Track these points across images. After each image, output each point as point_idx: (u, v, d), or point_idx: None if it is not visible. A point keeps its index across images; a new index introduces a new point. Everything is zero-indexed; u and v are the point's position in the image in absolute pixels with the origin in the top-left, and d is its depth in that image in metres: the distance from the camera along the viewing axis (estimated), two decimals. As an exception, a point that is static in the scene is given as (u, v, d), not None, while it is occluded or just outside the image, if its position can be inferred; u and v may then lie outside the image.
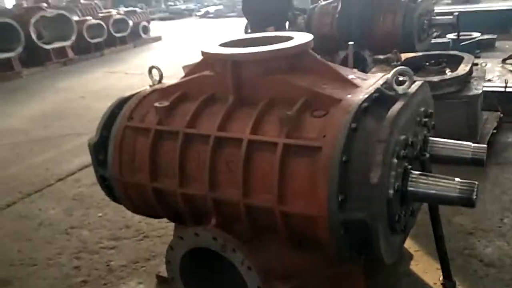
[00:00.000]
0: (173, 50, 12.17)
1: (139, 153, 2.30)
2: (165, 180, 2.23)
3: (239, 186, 1.99)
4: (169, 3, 26.30)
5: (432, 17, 6.30)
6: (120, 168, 2.34)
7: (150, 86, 2.62)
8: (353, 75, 2.23)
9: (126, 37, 13.50)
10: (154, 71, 2.67)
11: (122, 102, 2.52)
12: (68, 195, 3.94)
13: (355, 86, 2.10)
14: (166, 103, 2.28)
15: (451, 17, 6.21)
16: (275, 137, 1.93)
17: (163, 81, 2.62)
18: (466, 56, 4.32)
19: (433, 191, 1.87)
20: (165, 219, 3.23)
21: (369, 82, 2.15)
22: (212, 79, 2.30)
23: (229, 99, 2.16)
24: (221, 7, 21.59)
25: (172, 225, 3.18)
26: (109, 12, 14.05)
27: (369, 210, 1.75)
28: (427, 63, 4.41)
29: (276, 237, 2.10)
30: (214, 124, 2.10)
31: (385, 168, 1.73)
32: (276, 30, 5.61)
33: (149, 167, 2.23)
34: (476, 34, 7.52)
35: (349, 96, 1.98)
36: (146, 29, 14.63)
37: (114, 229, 3.31)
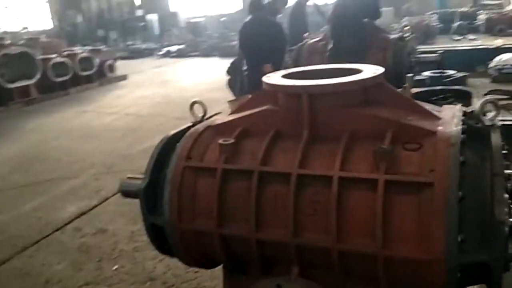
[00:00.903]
0: (141, 89, 11.91)
1: (202, 196, 2.07)
2: (234, 225, 2.00)
3: (330, 230, 1.79)
4: (128, 42, 26.07)
5: (417, 55, 6.50)
6: (179, 213, 2.08)
7: (193, 122, 2.43)
8: (427, 106, 2.14)
9: (92, 75, 13.11)
10: (197, 106, 2.48)
11: (169, 142, 2.30)
12: (71, 247, 3.56)
13: (438, 118, 2.00)
14: (231, 140, 2.09)
15: (435, 55, 6.42)
16: (373, 173, 1.78)
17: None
18: (470, 91, 4.41)
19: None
20: (192, 269, 2.97)
21: (447, 114, 2.06)
22: (277, 114, 2.13)
23: (304, 135, 2.00)
24: (183, 46, 21.61)
25: (201, 275, 2.92)
26: (73, 50, 13.66)
27: (490, 251, 1.61)
28: (435, 98, 4.46)
29: (361, 284, 1.91)
30: (293, 161, 1.92)
31: (504, 204, 1.61)
32: (273, 68, 5.56)
33: (217, 211, 2.00)
34: (451, 72, 7.84)
35: (440, 128, 1.87)
36: (112, 68, 14.30)
37: (137, 283, 2.99)
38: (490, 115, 1.95)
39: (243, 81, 6.41)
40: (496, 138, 1.80)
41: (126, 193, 2.54)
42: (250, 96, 2.61)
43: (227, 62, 14.81)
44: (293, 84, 2.07)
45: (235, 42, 19.13)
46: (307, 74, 2.30)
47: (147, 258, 3.24)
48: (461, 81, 8.17)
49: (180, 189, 2.09)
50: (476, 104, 1.95)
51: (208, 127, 2.27)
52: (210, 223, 2.03)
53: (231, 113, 2.41)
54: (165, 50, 21.99)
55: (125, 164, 5.53)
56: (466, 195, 1.66)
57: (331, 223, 1.79)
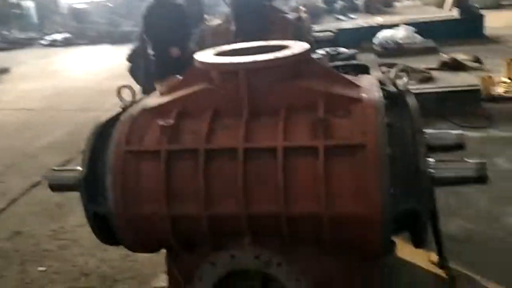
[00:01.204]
0: (28, 82, 10.98)
1: (147, 179, 2.06)
2: (184, 205, 2.03)
3: (279, 198, 1.92)
4: (3, 32, 23.62)
5: (314, 34, 6.88)
6: (124, 200, 2.05)
7: (123, 107, 2.38)
8: (348, 77, 2.34)
9: (-33, 70, 11.77)
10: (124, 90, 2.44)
11: (102, 129, 2.24)
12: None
13: (359, 86, 2.21)
14: (171, 121, 2.10)
15: (330, 34, 6.86)
16: (313, 141, 1.93)
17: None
18: (368, 65, 4.81)
19: (453, 174, 2.06)
20: (128, 259, 2.95)
21: (365, 83, 2.28)
22: (214, 93, 2.19)
23: (244, 111, 2.08)
24: (68, 35, 20.17)
25: (138, 263, 2.91)
26: None
27: (419, 199, 1.86)
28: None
29: (307, 246, 2.08)
30: (237, 136, 2.01)
31: (426, 157, 1.87)
32: (181, 51, 5.53)
33: (165, 193, 2.01)
34: (343, 49, 8.42)
35: (364, 95, 2.08)
36: (-11, 61, 12.93)
37: (70, 280, 2.87)
38: (402, 81, 2.20)
39: (148, 67, 6.26)
40: (412, 101, 2.05)
41: (57, 187, 2.43)
42: (179, 76, 2.63)
43: (119, 49, 14.29)
44: (230, 62, 2.14)
45: (127, 28, 18.45)
46: (237, 52, 2.38)
47: (76, 254, 3.12)
48: (353, 57, 8.82)
49: (123, 175, 2.06)
50: (391, 72, 2.19)
51: (143, 111, 2.25)
52: (158, 206, 2.03)
53: (162, 95, 2.41)
54: (49, 39, 20.35)
55: (29, 162, 5.13)
56: (394, 153, 1.89)
57: (279, 191, 1.92)
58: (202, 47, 6.50)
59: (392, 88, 2.21)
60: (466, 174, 2.05)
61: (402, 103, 2.07)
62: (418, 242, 2.07)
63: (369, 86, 2.21)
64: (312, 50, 5.55)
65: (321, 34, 6.98)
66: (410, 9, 15.73)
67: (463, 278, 2.46)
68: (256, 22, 6.21)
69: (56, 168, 2.55)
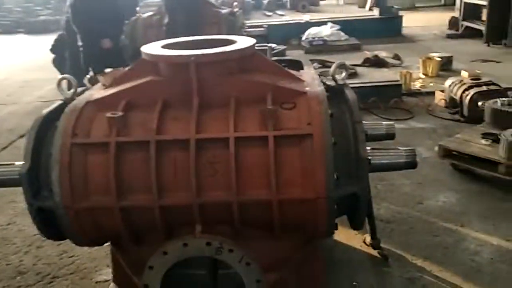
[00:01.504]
0: None
1: (95, 172, 2.03)
2: (134, 196, 2.03)
3: (231, 186, 1.99)
4: None
5: (246, 30, 6.98)
6: (71, 193, 2.01)
7: (64, 100, 2.33)
8: (291, 71, 2.46)
9: None
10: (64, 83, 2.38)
11: (45, 122, 2.18)
12: None
13: (302, 80, 2.33)
14: (119, 113, 2.08)
15: (262, 29, 7.00)
16: (263, 131, 2.02)
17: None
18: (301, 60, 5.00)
19: (388, 161, 2.25)
20: (65, 254, 2.88)
21: (307, 77, 2.41)
22: (163, 84, 2.21)
23: (194, 103, 2.12)
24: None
25: (78, 258, 2.85)
26: None
27: (359, 183, 2.02)
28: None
29: (256, 232, 2.18)
30: (188, 127, 2.04)
31: (365, 144, 2.04)
32: (112, 42, 5.38)
33: (115, 185, 2.00)
34: (273, 45, 8.61)
35: (308, 88, 2.21)
36: None
37: (5, 279, 2.73)
38: (341, 76, 2.36)
39: (74, 58, 6.00)
40: (350, 94, 2.22)
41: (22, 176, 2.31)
42: (121, 69, 2.60)
43: (36, 39, 13.46)
44: (180, 54, 2.17)
45: (44, 17, 17.36)
46: (184, 45, 2.40)
47: (8, 253, 2.96)
48: (282, 53, 9.05)
49: (69, 168, 2.01)
50: (331, 67, 2.33)
51: (88, 103, 2.20)
52: (108, 198, 2.02)
53: (107, 87, 2.38)
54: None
55: None
56: (337, 141, 2.03)
57: (231, 180, 1.98)
58: (132, 38, 6.41)
59: (331, 83, 2.35)
60: (399, 160, 2.26)
61: (342, 96, 2.22)
62: (356, 224, 2.24)
63: (311, 80, 2.34)
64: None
65: (253, 30, 7.10)
66: (334, 8, 16.38)
67: (394, 257, 2.70)
68: (189, 15, 6.17)
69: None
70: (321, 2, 18.56)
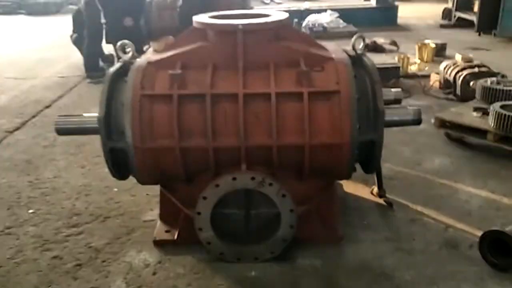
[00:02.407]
0: None
1: (160, 118, 2.46)
2: (192, 139, 2.47)
3: (271, 132, 2.43)
4: None
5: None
6: (140, 135, 2.44)
7: (123, 62, 2.73)
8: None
9: None
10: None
11: (115, 77, 2.59)
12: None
13: (327, 49, 2.77)
14: (179, 71, 2.51)
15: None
16: (299, 88, 2.46)
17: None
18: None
19: (397, 118, 2.71)
20: (112, 201, 3.30)
21: (331, 47, 2.84)
22: (212, 49, 2.63)
23: (239, 65, 2.55)
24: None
25: (124, 204, 3.27)
26: None
27: (376, 132, 2.48)
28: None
29: (288, 174, 2.63)
30: (237, 84, 2.48)
31: (382, 100, 2.49)
32: (134, 20, 5.75)
33: (177, 129, 2.43)
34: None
35: (334, 55, 2.65)
36: None
37: (64, 218, 3.15)
38: (360, 46, 2.79)
39: (94, 36, 6.33)
40: (368, 60, 2.66)
41: (67, 131, 2.75)
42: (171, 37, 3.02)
43: (38, 20, 13.67)
44: (229, 23, 2.59)
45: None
46: (227, 17, 2.82)
47: (61, 199, 3.36)
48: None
49: (140, 114, 2.44)
50: (352, 38, 2.76)
51: (149, 63, 2.62)
52: (170, 141, 2.46)
53: (160, 52, 2.80)
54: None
55: None
56: (359, 97, 2.48)
57: (272, 127, 2.43)
58: (147, 20, 6.78)
59: (352, 52, 2.79)
60: (407, 117, 2.72)
61: (361, 62, 2.66)
62: (371, 168, 2.70)
63: (334, 49, 2.78)
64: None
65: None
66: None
67: (397, 204, 3.17)
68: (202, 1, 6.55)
69: (61, 115, 2.85)
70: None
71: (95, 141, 4.35)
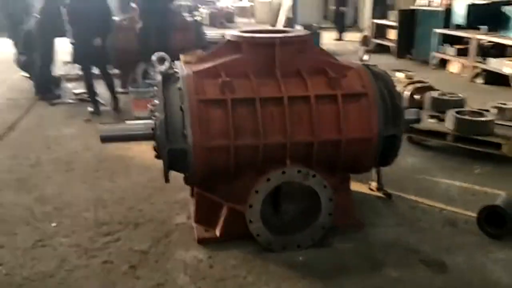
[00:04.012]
0: None
1: (216, 120, 2.70)
2: (244, 138, 2.73)
3: (313, 131, 2.79)
4: None
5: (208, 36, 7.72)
6: (200, 136, 2.64)
7: (162, 73, 2.94)
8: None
9: None
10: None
11: (164, 85, 2.78)
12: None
13: (340, 60, 3.21)
14: (228, 79, 2.78)
15: (220, 36, 7.78)
16: (333, 91, 2.85)
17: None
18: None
19: (410, 117, 3.20)
20: (134, 209, 3.41)
21: (344, 59, 3.30)
22: (250, 60, 2.93)
23: (277, 73, 2.88)
24: None
25: (149, 212, 3.38)
26: None
27: (398, 127, 2.94)
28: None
29: (321, 169, 2.98)
30: (280, 89, 2.81)
31: (402, 100, 2.97)
32: (102, 41, 5.77)
33: (233, 130, 2.68)
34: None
35: (352, 65, 3.10)
36: None
37: (92, 228, 3.17)
38: (366, 57, 3.28)
39: (46, 58, 6.19)
40: (378, 68, 3.14)
41: (113, 138, 2.86)
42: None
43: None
44: (267, 36, 2.93)
45: None
46: (256, 32, 3.14)
47: (79, 211, 3.30)
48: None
49: (198, 117, 2.66)
50: (359, 52, 3.25)
51: (195, 72, 2.85)
52: (226, 140, 2.70)
53: (195, 63, 3.04)
54: None
55: None
56: (382, 98, 2.94)
57: (314, 126, 2.79)
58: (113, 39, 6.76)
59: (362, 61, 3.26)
60: (415, 117, 3.25)
61: (373, 70, 3.13)
62: (391, 160, 3.14)
63: (345, 60, 3.24)
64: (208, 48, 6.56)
65: (213, 37, 7.85)
66: (249, 26, 17.59)
67: (394, 196, 3.65)
68: (161, 22, 6.75)
69: (102, 123, 2.94)
70: (237, 20, 19.90)
71: (85, 158, 4.37)
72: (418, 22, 9.98)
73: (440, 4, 9.58)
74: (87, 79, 5.89)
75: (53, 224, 3.22)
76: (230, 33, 3.07)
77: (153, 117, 2.86)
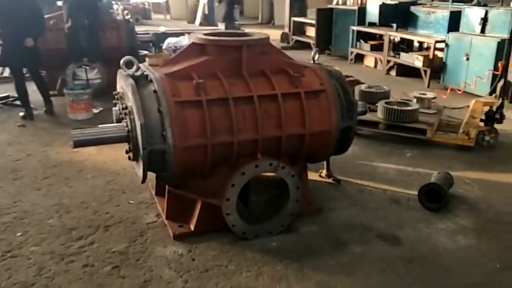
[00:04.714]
0: None
1: (192, 121, 2.82)
2: (220, 137, 2.89)
3: (281, 126, 3.02)
4: None
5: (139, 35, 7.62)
6: (179, 136, 2.75)
7: (131, 75, 2.99)
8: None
9: None
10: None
11: (135, 89, 2.84)
12: None
13: (295, 60, 3.49)
14: (201, 80, 2.91)
15: (151, 35, 7.74)
16: (297, 89, 3.11)
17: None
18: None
19: (360, 109, 3.56)
20: (104, 211, 3.43)
21: (298, 58, 3.57)
22: (218, 61, 3.09)
23: (244, 73, 3.08)
24: None
25: (117, 213, 3.42)
26: None
27: (352, 120, 3.29)
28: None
29: (286, 160, 3.23)
30: (250, 88, 3.00)
31: (353, 95, 3.32)
32: (34, 41, 5.50)
33: (210, 129, 2.83)
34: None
35: (307, 64, 3.38)
36: None
37: (62, 234, 3.13)
38: (316, 57, 3.58)
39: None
40: (329, 67, 3.46)
41: (87, 142, 2.88)
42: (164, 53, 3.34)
43: None
44: (235, 39, 3.10)
45: None
46: (219, 35, 3.30)
47: (42, 219, 3.19)
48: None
49: (176, 119, 2.76)
50: (312, 52, 3.53)
51: (166, 74, 2.94)
52: (204, 139, 2.84)
53: (163, 66, 3.13)
54: None
55: None
56: (338, 93, 3.26)
57: (281, 121, 3.02)
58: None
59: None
60: (363, 109, 3.62)
61: (325, 68, 3.44)
62: (344, 149, 3.47)
63: (300, 60, 3.52)
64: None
65: (143, 36, 7.76)
66: (167, 22, 17.36)
67: (342, 181, 4.02)
68: (90, 20, 6.57)
69: (73, 128, 2.92)
70: (153, 16, 19.54)
71: (30, 165, 4.21)
72: (336, 20, 10.65)
73: (354, 3, 10.32)
74: (19, 82, 5.58)
75: (18, 234, 3.13)
76: (194, 36, 3.20)
77: (125, 120, 2.93)
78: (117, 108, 3.26)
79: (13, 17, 5.22)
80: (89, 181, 4.00)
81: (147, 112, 2.79)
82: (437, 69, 7.77)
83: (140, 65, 3.23)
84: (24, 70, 5.77)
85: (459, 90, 6.70)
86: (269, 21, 19.14)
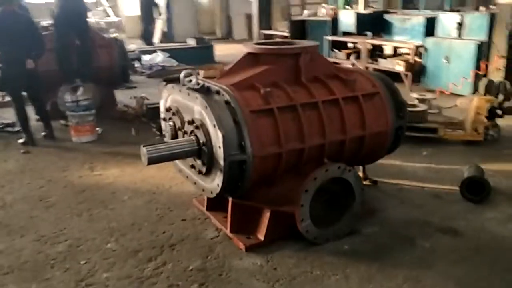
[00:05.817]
0: None
1: (265, 129, 2.84)
2: (291, 143, 2.91)
3: (343, 130, 3.10)
4: None
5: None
6: (257, 146, 2.75)
7: (194, 88, 2.96)
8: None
9: None
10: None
11: (207, 101, 2.82)
12: None
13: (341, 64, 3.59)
14: (268, 89, 2.92)
15: (137, 53, 7.61)
16: (355, 93, 3.19)
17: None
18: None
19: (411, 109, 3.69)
20: (161, 231, 3.36)
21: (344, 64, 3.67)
22: (277, 70, 3.13)
23: (303, 79, 3.13)
24: None
25: (177, 231, 3.34)
26: None
27: (403, 120, 3.41)
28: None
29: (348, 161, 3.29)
30: (313, 94, 3.05)
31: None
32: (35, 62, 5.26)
33: (284, 136, 2.85)
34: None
35: (352, 69, 3.49)
36: None
37: (129, 258, 3.01)
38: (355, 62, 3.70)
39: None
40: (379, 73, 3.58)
41: (160, 158, 2.81)
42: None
43: None
44: (292, 47, 3.15)
45: None
46: (271, 44, 3.33)
47: (100, 244, 3.07)
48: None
49: (253, 129, 2.76)
50: (351, 58, 3.65)
51: (231, 85, 2.94)
52: (277, 147, 2.85)
53: (222, 77, 3.14)
54: None
55: None
56: (390, 95, 3.36)
57: (343, 125, 3.09)
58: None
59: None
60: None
61: (373, 72, 3.56)
62: (395, 148, 3.58)
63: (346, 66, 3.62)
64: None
65: (131, 53, 7.62)
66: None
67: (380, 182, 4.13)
68: (80, 39, 6.35)
69: (144, 145, 2.83)
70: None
71: (57, 191, 4.00)
72: (309, 31, 10.92)
73: (326, 15, 10.63)
74: (19, 107, 5.29)
75: (82, 262, 2.97)
76: (249, 46, 3.22)
77: (196, 133, 2.88)
78: (171, 123, 3.21)
79: (12, 38, 4.97)
80: (128, 202, 3.86)
81: (224, 124, 2.77)
82: (417, 72, 8.17)
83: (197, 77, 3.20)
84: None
85: (447, 91, 7.07)
86: (227, 36, 19.24)
